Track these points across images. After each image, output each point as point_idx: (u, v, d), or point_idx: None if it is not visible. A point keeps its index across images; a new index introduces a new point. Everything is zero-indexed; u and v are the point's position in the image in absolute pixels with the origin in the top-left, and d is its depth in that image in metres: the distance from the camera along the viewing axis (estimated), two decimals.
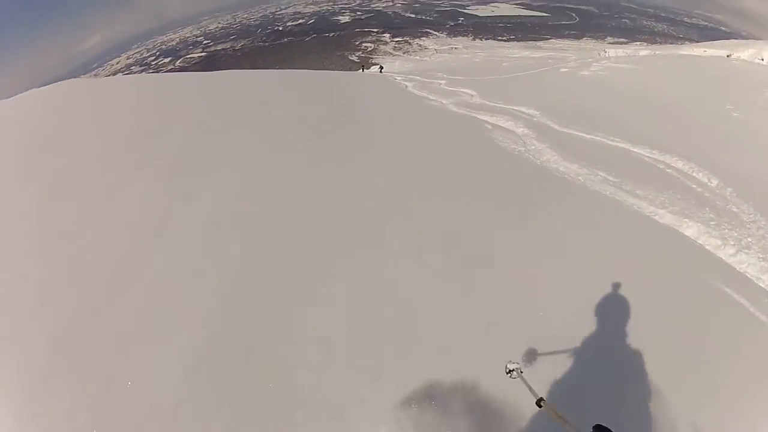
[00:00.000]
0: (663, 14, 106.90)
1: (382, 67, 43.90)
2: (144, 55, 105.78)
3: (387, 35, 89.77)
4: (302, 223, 5.49)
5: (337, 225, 5.43)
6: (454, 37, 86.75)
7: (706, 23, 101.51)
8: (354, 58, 77.90)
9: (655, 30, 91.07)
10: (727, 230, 5.20)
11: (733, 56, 38.02)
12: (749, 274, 4.62)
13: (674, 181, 6.37)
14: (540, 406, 2.56)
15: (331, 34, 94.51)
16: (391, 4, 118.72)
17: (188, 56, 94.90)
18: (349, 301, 4.18)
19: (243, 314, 4.09)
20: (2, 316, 4.35)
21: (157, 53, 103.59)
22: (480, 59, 39.38)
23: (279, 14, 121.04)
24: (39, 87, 18.49)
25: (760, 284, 4.48)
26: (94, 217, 6.02)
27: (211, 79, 19.16)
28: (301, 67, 44.63)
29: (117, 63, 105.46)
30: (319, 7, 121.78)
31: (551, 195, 6.08)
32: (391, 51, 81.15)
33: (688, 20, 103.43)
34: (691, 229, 5.29)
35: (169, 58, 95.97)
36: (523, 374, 2.82)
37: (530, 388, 2.70)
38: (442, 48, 76.82)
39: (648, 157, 7.15)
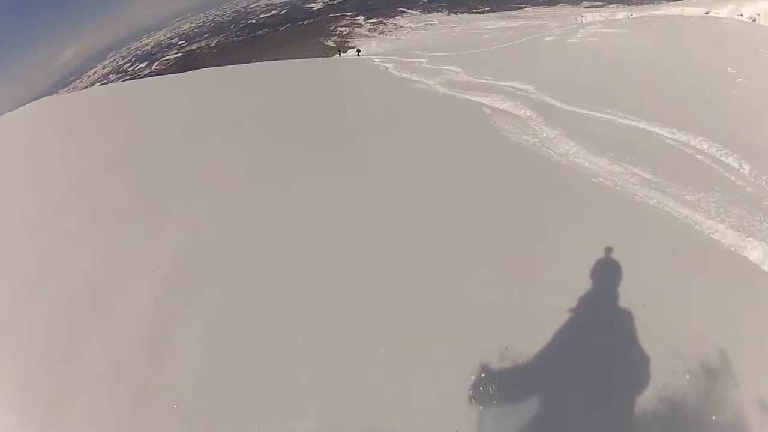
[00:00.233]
0: None
1: (359, 51, 42.59)
2: (120, 63, 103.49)
3: (361, 18, 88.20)
4: (298, 222, 5.02)
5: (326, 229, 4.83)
6: (428, 13, 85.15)
7: None
8: (330, 43, 76.70)
9: None
10: None
11: (711, 13, 37.40)
12: None
13: (711, 173, 5.17)
14: None
15: (305, 22, 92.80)
16: None
17: (164, 59, 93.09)
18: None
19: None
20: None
21: (133, 59, 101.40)
22: (457, 33, 38.22)
23: (251, 7, 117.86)
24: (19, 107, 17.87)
25: None
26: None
27: (183, 82, 18.19)
28: (277, 58, 43.32)
29: (94, 74, 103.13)
30: None
31: (589, 211, 4.63)
32: (367, 33, 79.85)
33: None
34: (756, 252, 3.95)
35: (146, 63, 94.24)
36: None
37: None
38: (417, 25, 75.47)
39: (670, 139, 5.98)
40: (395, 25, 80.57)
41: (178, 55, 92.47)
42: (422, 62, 17.18)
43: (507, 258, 4.00)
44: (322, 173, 6.11)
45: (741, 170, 5.24)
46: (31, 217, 6.13)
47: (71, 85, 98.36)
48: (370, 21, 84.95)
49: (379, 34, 77.23)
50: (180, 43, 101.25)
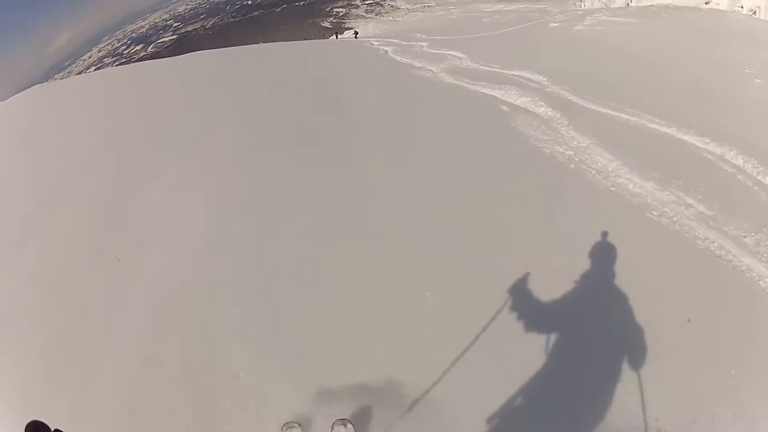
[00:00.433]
0: None
1: (357, 33, 41.48)
2: (115, 46, 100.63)
3: None
4: (294, 220, 4.84)
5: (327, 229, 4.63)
6: None
7: None
8: (326, 24, 75.18)
9: None
10: None
11: (711, 3, 36.41)
12: None
13: (758, 203, 4.56)
14: None
15: (302, 3, 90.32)
16: None
17: (159, 41, 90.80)
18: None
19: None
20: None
21: (128, 42, 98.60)
22: (456, 16, 37.31)
23: None
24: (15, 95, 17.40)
25: None
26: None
27: (176, 67, 17.51)
28: (274, 39, 42.23)
29: (89, 57, 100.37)
30: None
31: (656, 261, 3.88)
32: (363, 14, 78.15)
33: None
34: None
35: (141, 45, 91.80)
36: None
37: None
38: (414, 7, 73.74)
39: (705, 151, 5.45)
40: (392, 6, 78.69)
41: (174, 37, 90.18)
42: (423, 46, 16.57)
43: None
44: (319, 171, 5.77)
45: None
46: (25, 212, 5.92)
47: (66, 70, 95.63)
48: (367, 2, 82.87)
49: (376, 15, 75.56)
50: (175, 25, 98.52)
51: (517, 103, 7.22)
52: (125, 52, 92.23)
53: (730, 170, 5.07)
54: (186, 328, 3.62)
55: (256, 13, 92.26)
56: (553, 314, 3.35)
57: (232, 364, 3.24)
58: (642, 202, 4.64)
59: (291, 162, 6.11)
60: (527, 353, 3.05)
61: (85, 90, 15.62)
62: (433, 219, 4.53)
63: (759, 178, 4.93)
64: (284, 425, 2.68)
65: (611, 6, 42.75)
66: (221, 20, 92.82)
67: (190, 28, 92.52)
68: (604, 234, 4.03)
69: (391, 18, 70.04)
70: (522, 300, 3.43)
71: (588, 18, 15.59)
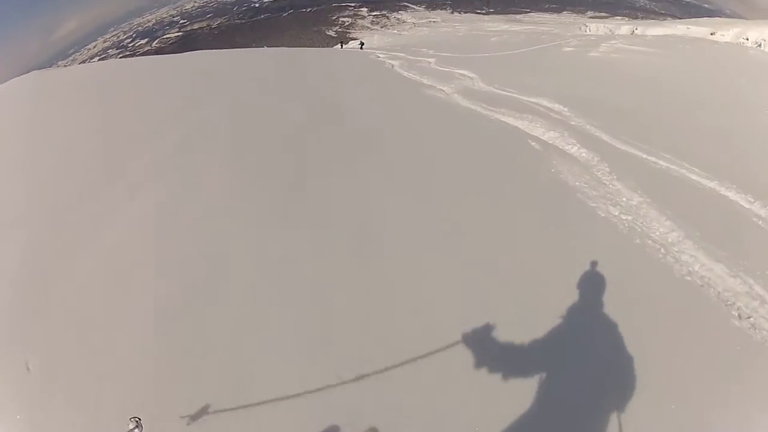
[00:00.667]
0: None
1: (362, 43, 40.93)
2: (121, 38, 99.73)
3: (364, 9, 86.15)
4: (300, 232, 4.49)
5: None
6: (432, 10, 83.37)
7: None
8: (331, 33, 75.10)
9: (637, 5, 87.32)
10: None
11: (716, 35, 36.49)
12: None
13: None
14: None
15: (308, 9, 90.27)
16: None
17: (165, 36, 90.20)
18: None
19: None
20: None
21: (134, 35, 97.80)
22: (463, 33, 36.92)
23: None
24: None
25: None
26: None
27: (178, 64, 16.88)
28: (279, 44, 41.74)
29: (94, 47, 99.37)
30: None
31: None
32: (369, 25, 78.19)
33: None
34: None
35: (146, 39, 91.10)
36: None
37: None
38: (420, 21, 73.95)
39: (755, 215, 4.71)
40: (398, 19, 78.86)
41: (179, 34, 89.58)
42: (430, 62, 15.95)
43: None
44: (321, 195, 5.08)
45: None
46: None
47: (71, 57, 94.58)
48: (373, 14, 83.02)
49: (382, 27, 75.56)
50: (182, 22, 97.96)
51: (545, 138, 6.40)
52: (130, 44, 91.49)
53: None
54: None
55: (262, 16, 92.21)
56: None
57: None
58: (717, 295, 3.67)
59: (287, 174, 5.54)
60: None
61: (80, 81, 15.25)
62: (460, 288, 3.65)
63: None
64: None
65: (617, 33, 42.97)
66: (227, 21, 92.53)
67: (196, 27, 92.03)
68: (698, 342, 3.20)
69: (396, 31, 70.00)
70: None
71: (603, 44, 15.01)
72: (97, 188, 5.66)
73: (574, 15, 73.55)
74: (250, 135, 7.15)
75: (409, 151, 6.20)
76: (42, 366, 3.23)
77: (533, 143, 6.22)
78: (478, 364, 2.94)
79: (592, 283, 3.62)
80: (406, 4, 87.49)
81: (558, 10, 78.40)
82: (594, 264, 3.82)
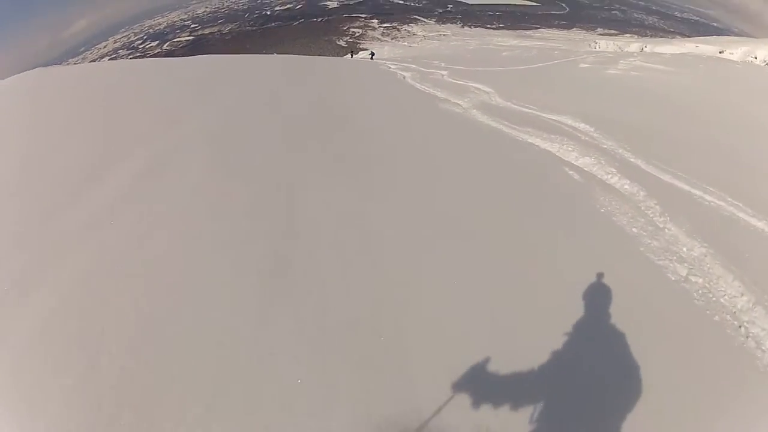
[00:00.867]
0: (654, 7, 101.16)
1: (373, 54, 40.70)
2: (131, 39, 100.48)
3: (375, 21, 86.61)
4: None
5: None
6: (442, 24, 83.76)
7: (698, 18, 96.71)
8: (342, 43, 75.29)
9: (646, 23, 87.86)
10: None
11: (725, 53, 36.25)
12: None
13: None
14: None
15: (319, 19, 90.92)
16: None
17: (175, 40, 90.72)
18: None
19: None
20: None
21: (145, 37, 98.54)
22: (474, 47, 36.71)
23: None
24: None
25: None
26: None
27: (187, 66, 16.54)
28: (289, 52, 41.60)
29: (105, 47, 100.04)
30: None
31: None
32: (380, 37, 78.41)
33: (680, 14, 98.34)
34: None
35: (156, 42, 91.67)
36: None
37: None
38: (430, 34, 74.09)
39: None
40: (408, 32, 79.09)
41: (190, 37, 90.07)
42: (443, 75, 15.54)
43: None
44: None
45: None
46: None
47: (81, 56, 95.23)
48: (384, 25, 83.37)
49: (392, 39, 75.72)
50: (193, 26, 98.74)
51: (579, 164, 5.83)
52: (140, 46, 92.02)
53: None
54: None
55: (273, 24, 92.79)
56: None
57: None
58: None
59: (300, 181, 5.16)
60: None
61: (79, 81, 14.70)
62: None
63: None
64: None
65: (626, 50, 42.78)
66: (238, 27, 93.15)
67: (207, 31, 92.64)
68: None
69: (406, 43, 70.13)
70: None
71: (621, 62, 14.58)
72: (77, 194, 5.41)
73: (584, 32, 73.75)
74: (250, 140, 6.93)
75: (426, 173, 5.69)
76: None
77: (571, 171, 5.67)
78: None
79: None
80: (416, 17, 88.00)
81: (568, 27, 78.75)
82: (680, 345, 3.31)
